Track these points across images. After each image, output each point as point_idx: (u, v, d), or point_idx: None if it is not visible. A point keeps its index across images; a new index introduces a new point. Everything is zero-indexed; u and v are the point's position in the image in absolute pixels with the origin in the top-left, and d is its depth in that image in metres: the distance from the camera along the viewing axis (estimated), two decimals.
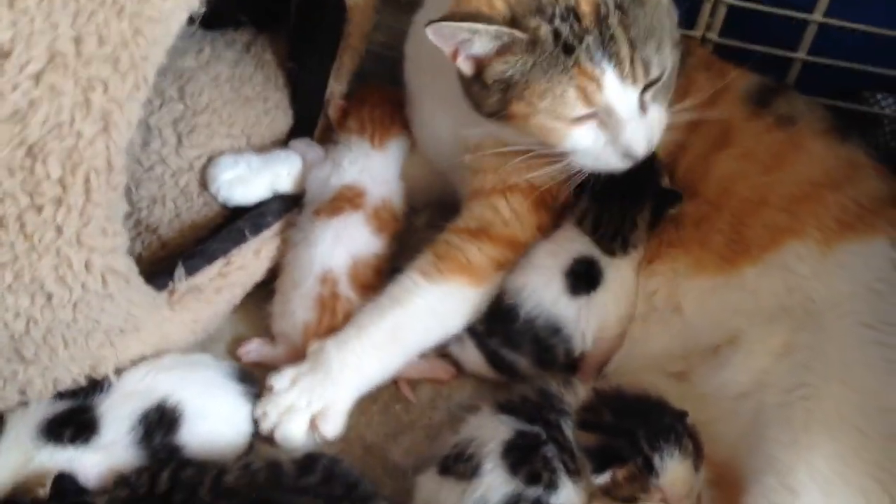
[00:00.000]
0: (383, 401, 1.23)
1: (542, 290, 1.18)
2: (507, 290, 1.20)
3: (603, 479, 0.99)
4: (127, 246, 1.00)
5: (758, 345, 1.08)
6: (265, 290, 1.29)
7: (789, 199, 1.13)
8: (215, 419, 1.09)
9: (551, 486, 1.00)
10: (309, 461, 1.03)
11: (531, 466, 1.01)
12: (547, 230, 1.22)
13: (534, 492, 1.00)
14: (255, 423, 1.14)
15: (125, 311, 1.01)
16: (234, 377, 1.14)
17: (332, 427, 1.14)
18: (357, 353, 1.15)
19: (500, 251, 1.19)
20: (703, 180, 1.18)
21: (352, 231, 1.24)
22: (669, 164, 1.20)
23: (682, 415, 1.04)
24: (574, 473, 1.02)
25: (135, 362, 1.10)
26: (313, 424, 1.13)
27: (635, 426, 1.01)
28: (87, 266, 0.95)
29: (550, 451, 1.02)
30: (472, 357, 1.22)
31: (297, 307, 1.21)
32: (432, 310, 1.17)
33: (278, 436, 1.12)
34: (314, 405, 1.13)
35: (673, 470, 0.99)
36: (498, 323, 1.19)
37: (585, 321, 1.17)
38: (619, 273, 1.18)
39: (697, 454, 1.02)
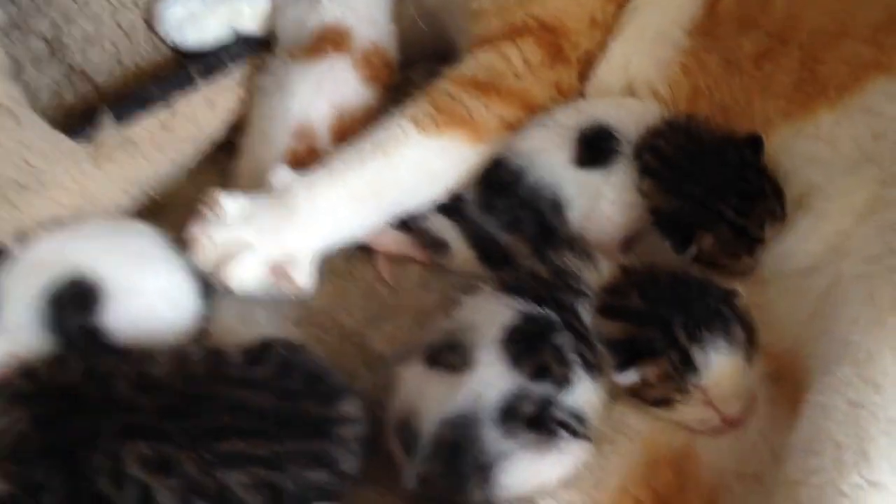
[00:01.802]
0: (365, 281, 1.03)
1: (554, 153, 0.97)
2: (513, 149, 0.98)
3: (629, 377, 0.79)
4: (11, 70, 0.77)
5: (835, 203, 0.86)
6: (228, 152, 1.08)
7: (875, 26, 0.92)
8: (149, 297, 0.89)
9: (563, 381, 0.80)
10: (261, 349, 0.84)
11: (539, 357, 0.80)
12: (569, 91, 1.02)
13: (542, 388, 0.79)
14: (206, 304, 0.94)
15: (18, 157, 0.80)
16: (179, 249, 0.93)
17: (304, 277, 0.95)
18: (330, 199, 0.95)
19: (511, 110, 0.99)
20: (763, 8, 0.96)
21: (337, 78, 1.04)
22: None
23: (729, 295, 0.82)
24: (593, 368, 0.82)
25: (46, 227, 0.89)
26: (277, 274, 0.93)
27: (670, 312, 0.79)
28: None
29: (563, 339, 0.81)
30: (457, 247, 1.01)
31: (265, 167, 1.00)
32: (422, 165, 0.98)
33: (222, 276, 0.92)
34: (272, 249, 0.93)
35: (718, 365, 0.78)
36: (497, 193, 0.98)
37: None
38: None
39: (750, 344, 0.81)
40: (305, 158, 0.99)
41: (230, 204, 0.94)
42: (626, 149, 0.95)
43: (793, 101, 0.92)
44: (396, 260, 1.04)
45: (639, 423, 0.81)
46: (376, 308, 1.01)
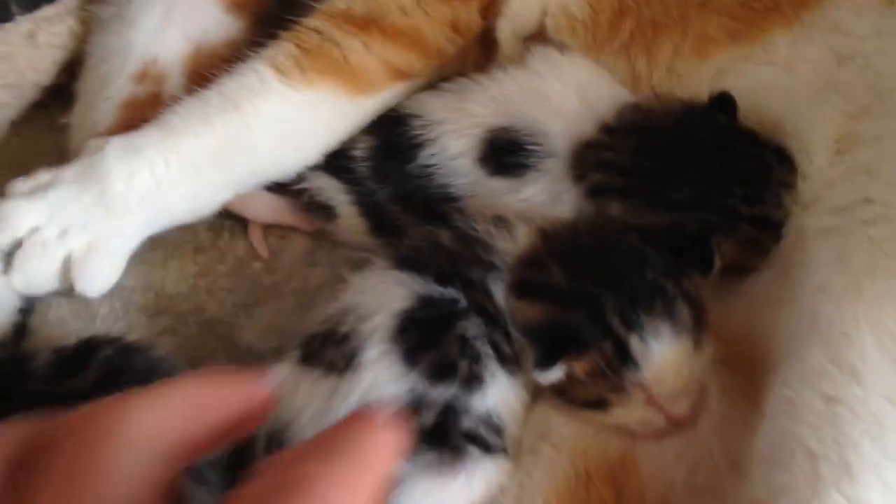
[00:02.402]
0: (235, 257, 0.85)
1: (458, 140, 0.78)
2: (422, 109, 0.80)
3: (551, 374, 0.62)
4: None
5: (795, 141, 0.70)
6: (62, 100, 0.87)
7: None
8: None
9: (473, 381, 0.63)
10: (81, 351, 0.65)
11: (440, 351, 0.63)
12: (467, 30, 0.82)
13: (444, 391, 0.62)
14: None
15: None
16: None
17: (93, 279, 0.75)
18: (155, 169, 0.74)
19: (398, 51, 0.80)
20: None
21: (192, 4, 0.83)
22: None
23: (671, 264, 0.66)
24: (510, 361, 0.65)
25: None
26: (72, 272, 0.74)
27: (600, 288, 0.63)
28: None
29: (472, 326, 0.64)
30: (345, 213, 0.82)
31: (99, 116, 0.81)
32: (285, 123, 0.78)
33: (14, 279, 0.73)
34: (73, 239, 0.73)
35: (661, 356, 0.62)
36: (391, 157, 0.80)
37: None
38: None
39: (698, 326, 0.64)
40: (148, 109, 0.79)
41: (20, 186, 0.74)
42: (547, 163, 0.76)
43: (738, 18, 0.76)
44: (273, 230, 0.85)
45: (565, 428, 0.65)
46: (248, 290, 0.82)
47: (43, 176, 0.74)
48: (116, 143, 0.74)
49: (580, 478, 0.64)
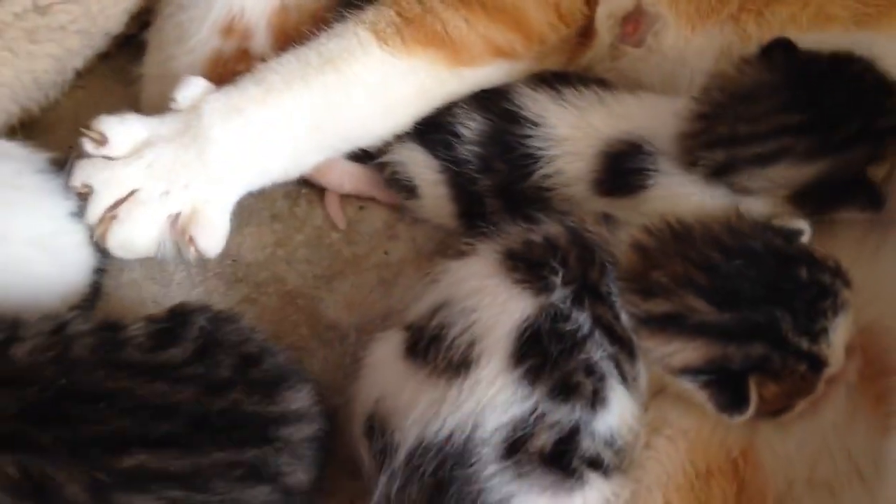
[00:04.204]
0: (314, 225, 0.81)
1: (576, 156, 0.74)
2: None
3: (746, 412, 0.59)
4: None
5: None
6: (130, 50, 0.84)
7: None
8: (18, 245, 0.65)
9: (597, 402, 0.59)
10: (175, 321, 0.61)
11: (564, 371, 0.59)
12: (571, 17, 0.79)
13: (567, 413, 0.58)
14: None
15: None
16: (57, 175, 0.69)
17: (209, 237, 0.72)
18: (254, 126, 0.72)
19: (501, 30, 0.77)
20: None
21: None
22: None
23: (818, 259, 0.62)
24: (629, 380, 0.61)
25: None
26: (176, 232, 0.71)
27: (768, 309, 0.59)
28: None
29: (598, 346, 0.60)
30: (432, 193, 0.78)
31: (180, 68, 0.77)
32: (383, 89, 0.75)
33: (109, 242, 0.70)
34: (176, 200, 0.71)
35: (839, 342, 0.60)
36: (505, 156, 0.76)
37: None
38: None
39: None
40: (234, 65, 0.76)
41: (118, 133, 0.71)
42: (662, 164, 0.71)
43: (869, 3, 0.72)
44: (352, 199, 0.82)
45: (682, 421, 0.62)
46: (328, 262, 0.79)
47: (138, 130, 0.70)
48: (215, 102, 0.71)
49: (700, 473, 0.61)
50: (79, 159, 0.70)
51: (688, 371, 0.60)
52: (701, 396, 0.60)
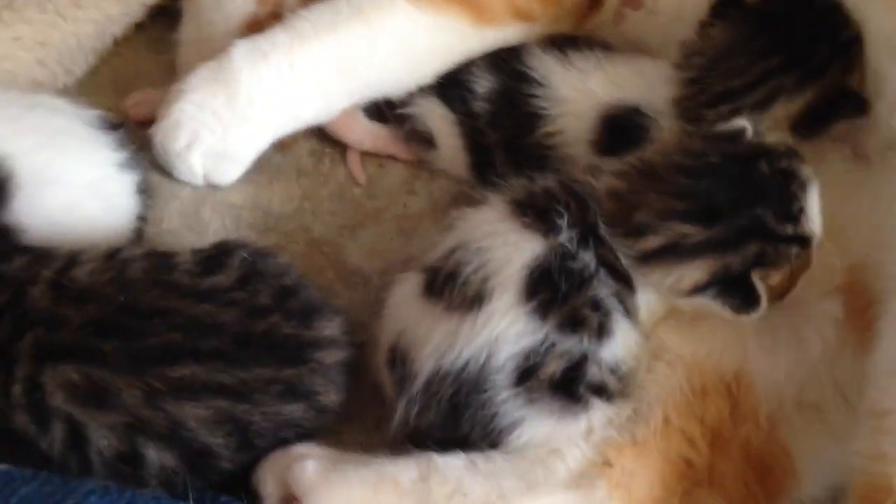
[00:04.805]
0: (337, 182, 0.87)
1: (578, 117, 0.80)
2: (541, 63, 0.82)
3: (761, 309, 0.65)
4: None
5: None
6: (164, 20, 0.88)
7: None
8: (72, 190, 0.71)
9: (603, 334, 0.65)
10: (219, 252, 0.67)
11: (572, 307, 0.64)
12: None
13: (574, 344, 0.64)
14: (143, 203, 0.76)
15: None
16: (105, 130, 0.75)
17: (223, 172, 0.80)
18: (282, 72, 0.77)
19: None
20: None
21: None
22: None
23: (781, 149, 0.68)
24: (632, 314, 0.67)
25: None
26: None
27: (749, 207, 0.65)
28: None
29: (603, 285, 0.65)
30: (448, 144, 0.84)
31: (216, 33, 0.82)
32: (409, 41, 0.80)
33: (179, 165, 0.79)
34: (209, 136, 0.77)
35: (815, 212, 0.66)
36: (512, 114, 0.82)
37: None
38: None
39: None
40: (268, 27, 0.80)
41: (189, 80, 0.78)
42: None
43: None
44: (372, 157, 0.87)
45: (680, 346, 0.68)
46: (351, 214, 0.85)
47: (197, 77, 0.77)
48: (243, 47, 0.77)
49: (696, 391, 0.66)
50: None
51: (697, 289, 0.65)
52: (716, 307, 0.65)
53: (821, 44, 0.73)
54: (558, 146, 0.80)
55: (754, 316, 0.64)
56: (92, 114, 0.75)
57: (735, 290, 0.64)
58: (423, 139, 0.85)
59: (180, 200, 0.81)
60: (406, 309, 0.69)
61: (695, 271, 0.65)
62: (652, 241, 0.65)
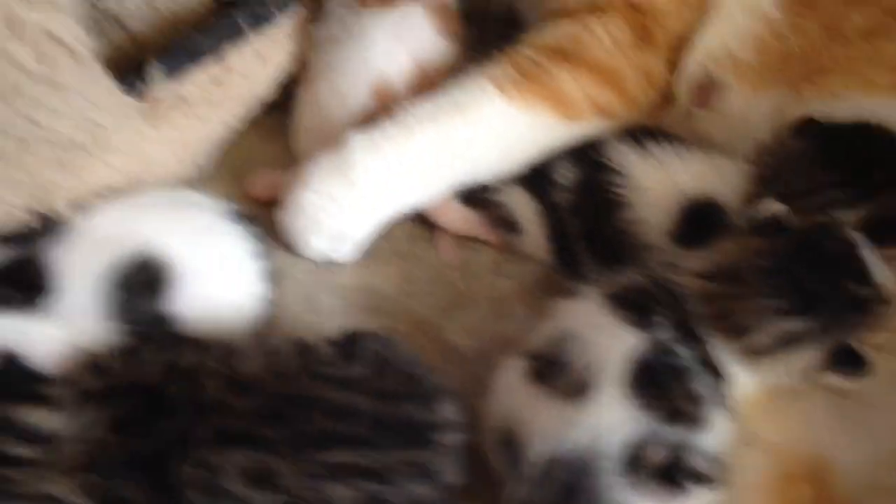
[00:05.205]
0: (432, 264, 0.94)
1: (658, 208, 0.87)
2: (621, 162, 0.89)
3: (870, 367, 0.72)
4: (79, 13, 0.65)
5: None
6: (273, 116, 0.97)
7: None
8: (219, 279, 0.78)
9: (702, 425, 0.71)
10: (351, 343, 0.74)
11: (674, 401, 0.70)
12: (658, 82, 0.93)
13: (675, 433, 0.70)
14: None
15: (79, 111, 0.68)
16: (240, 223, 0.82)
17: (340, 252, 0.89)
18: (392, 161, 0.86)
19: (601, 90, 0.90)
20: None
21: (413, 26, 0.92)
22: None
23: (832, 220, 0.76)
24: (726, 404, 0.73)
25: (102, 196, 0.77)
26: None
27: (837, 285, 0.71)
28: (10, 20, 0.60)
29: (704, 380, 0.71)
30: (532, 231, 0.92)
31: (335, 124, 0.90)
32: (502, 133, 0.88)
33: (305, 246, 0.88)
34: (332, 218, 0.86)
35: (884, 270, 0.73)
36: (593, 203, 0.89)
37: None
38: None
39: None
40: (378, 117, 0.89)
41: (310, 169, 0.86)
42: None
43: None
44: (464, 240, 0.94)
45: (772, 434, 0.75)
46: (448, 295, 0.92)
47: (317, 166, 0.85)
48: (361, 140, 0.86)
49: (785, 477, 0.73)
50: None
51: (809, 371, 0.72)
52: (832, 379, 0.72)
53: (882, 170, 0.80)
54: (638, 235, 0.87)
55: (868, 375, 0.71)
56: (227, 207, 0.83)
57: (844, 361, 0.71)
58: (509, 225, 0.93)
59: (297, 283, 0.88)
60: (513, 394, 0.76)
61: (805, 357, 0.72)
62: (758, 340, 0.72)
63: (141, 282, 0.73)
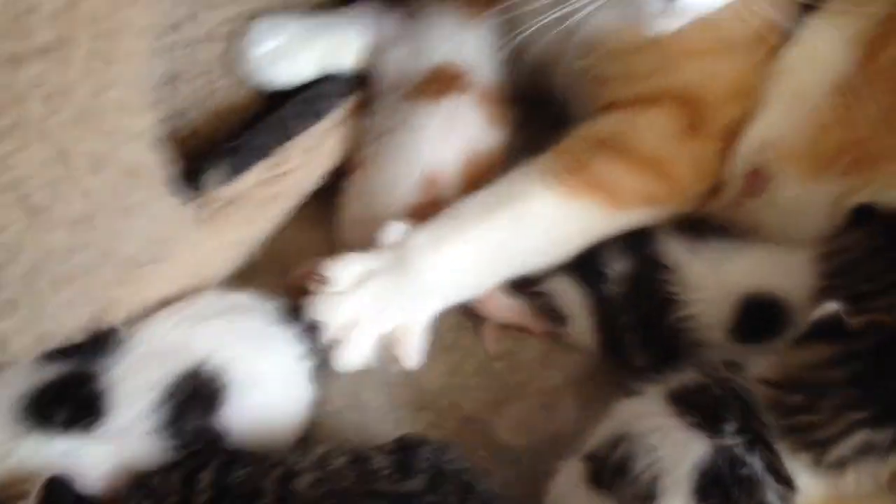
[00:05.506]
0: (478, 357, 0.92)
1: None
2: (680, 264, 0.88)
3: None
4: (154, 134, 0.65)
5: None
6: (315, 203, 0.96)
7: None
8: (270, 387, 0.77)
9: None
10: (406, 453, 0.72)
11: None
12: (710, 170, 0.92)
13: None
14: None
15: (144, 232, 0.68)
16: (286, 321, 0.82)
17: (414, 353, 0.85)
18: (454, 257, 0.85)
19: (648, 181, 0.89)
20: None
21: (464, 117, 0.92)
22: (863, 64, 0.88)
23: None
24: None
25: (155, 308, 0.77)
26: (389, 347, 0.85)
27: None
28: (96, 160, 0.60)
29: (772, 491, 0.70)
30: (580, 323, 0.90)
31: (384, 214, 0.89)
32: (553, 226, 0.88)
33: (338, 361, 0.83)
34: (388, 320, 0.84)
35: None
36: (644, 298, 0.87)
37: None
38: None
39: None
40: (426, 211, 0.88)
41: (340, 273, 0.84)
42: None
43: None
44: (510, 331, 0.93)
45: None
46: (495, 388, 0.90)
47: (355, 267, 0.84)
48: (421, 238, 0.85)
49: None
50: (308, 298, 0.82)
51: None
52: None
53: None
54: (692, 331, 0.86)
55: None
56: (274, 306, 0.82)
57: None
58: (556, 315, 0.91)
59: (341, 381, 0.87)
60: (573, 500, 0.74)
61: (889, 463, 0.70)
62: (838, 452, 0.70)
63: (194, 398, 0.73)
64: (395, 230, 0.86)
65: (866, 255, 0.81)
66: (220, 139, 0.91)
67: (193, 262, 0.79)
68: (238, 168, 0.84)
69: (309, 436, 0.83)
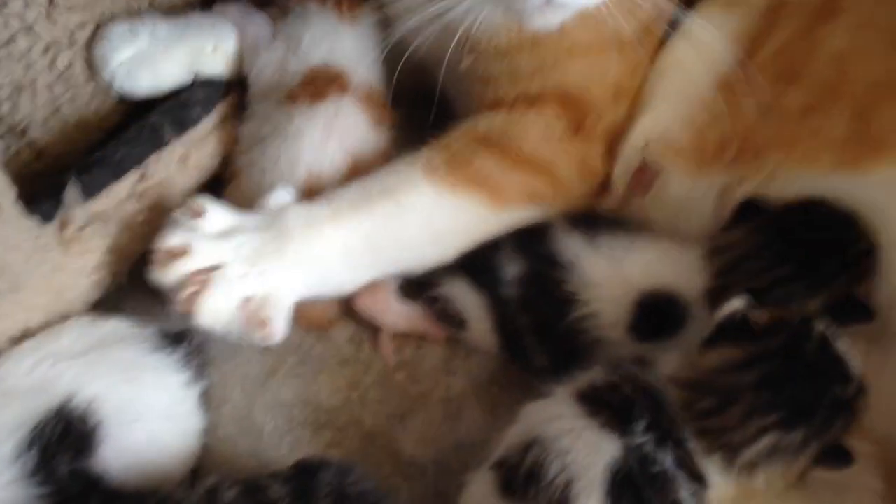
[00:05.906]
0: (377, 370, 0.88)
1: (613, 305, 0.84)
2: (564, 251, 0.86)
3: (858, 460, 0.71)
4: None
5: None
6: None
7: None
8: (151, 422, 0.71)
9: None
10: (305, 479, 0.68)
11: None
12: (594, 171, 0.90)
13: None
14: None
15: None
16: (166, 347, 0.75)
17: (276, 328, 0.79)
18: (327, 239, 0.81)
19: (531, 179, 0.87)
20: (808, 61, 0.88)
21: (345, 120, 0.88)
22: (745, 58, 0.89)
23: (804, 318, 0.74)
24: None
25: (15, 341, 0.69)
26: (249, 314, 0.78)
27: (822, 390, 0.70)
28: None
29: (685, 490, 0.68)
30: (478, 326, 0.87)
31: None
32: (433, 221, 0.85)
33: (193, 308, 0.76)
34: (252, 284, 0.78)
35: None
36: (543, 298, 0.85)
37: None
38: None
39: None
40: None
41: (215, 212, 0.79)
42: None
43: (844, 152, 0.85)
44: (409, 340, 0.89)
45: None
46: (397, 400, 0.86)
47: (231, 216, 0.79)
48: (297, 214, 0.81)
49: None
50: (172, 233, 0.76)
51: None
52: (822, 472, 0.71)
53: (831, 255, 0.79)
54: (592, 330, 0.84)
55: (855, 466, 0.70)
56: (151, 332, 0.76)
57: (832, 457, 0.70)
58: (454, 320, 0.88)
59: (232, 404, 0.82)
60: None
61: (799, 462, 0.70)
62: (750, 454, 0.70)
63: (64, 440, 0.65)
64: (280, 196, 0.82)
65: (753, 251, 0.81)
66: (82, 152, 0.84)
67: (57, 287, 0.72)
68: (101, 182, 0.77)
69: (200, 466, 0.77)
